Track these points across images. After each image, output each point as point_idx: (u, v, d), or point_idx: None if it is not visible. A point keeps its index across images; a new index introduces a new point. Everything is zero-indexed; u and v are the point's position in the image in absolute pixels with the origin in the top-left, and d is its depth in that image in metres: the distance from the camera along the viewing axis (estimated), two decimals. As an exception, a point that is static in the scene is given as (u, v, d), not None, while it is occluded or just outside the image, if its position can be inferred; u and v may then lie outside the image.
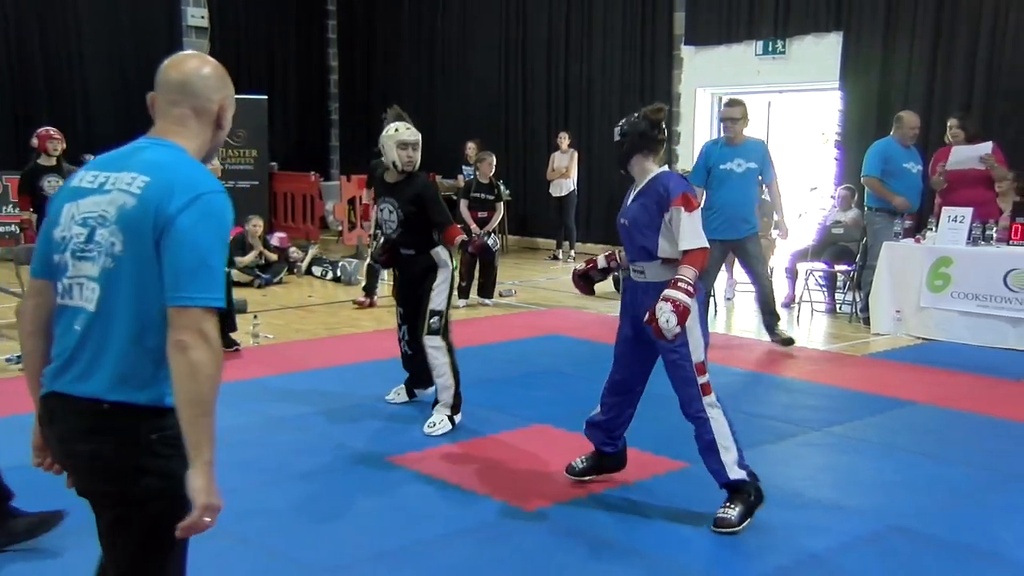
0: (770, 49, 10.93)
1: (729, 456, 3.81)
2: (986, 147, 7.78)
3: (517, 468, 4.57)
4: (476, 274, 9.15)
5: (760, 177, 7.22)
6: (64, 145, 8.16)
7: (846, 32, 10.24)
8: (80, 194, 2.07)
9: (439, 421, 5.10)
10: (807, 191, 10.62)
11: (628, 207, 3.98)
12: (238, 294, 8.59)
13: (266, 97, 14.58)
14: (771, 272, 9.52)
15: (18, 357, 6.46)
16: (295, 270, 11.02)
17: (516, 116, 14.08)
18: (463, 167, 12.73)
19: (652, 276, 3.87)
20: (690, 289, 3.65)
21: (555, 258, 12.65)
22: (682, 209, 3.74)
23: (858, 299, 8.41)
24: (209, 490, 1.94)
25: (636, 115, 4.00)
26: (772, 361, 6.87)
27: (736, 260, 7.41)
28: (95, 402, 1.99)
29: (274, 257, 10.60)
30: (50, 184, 7.97)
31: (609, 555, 3.60)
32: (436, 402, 5.18)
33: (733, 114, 7.14)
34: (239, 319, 7.36)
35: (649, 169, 3.95)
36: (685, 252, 3.73)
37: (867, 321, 7.96)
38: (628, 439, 4.43)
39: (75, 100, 13.91)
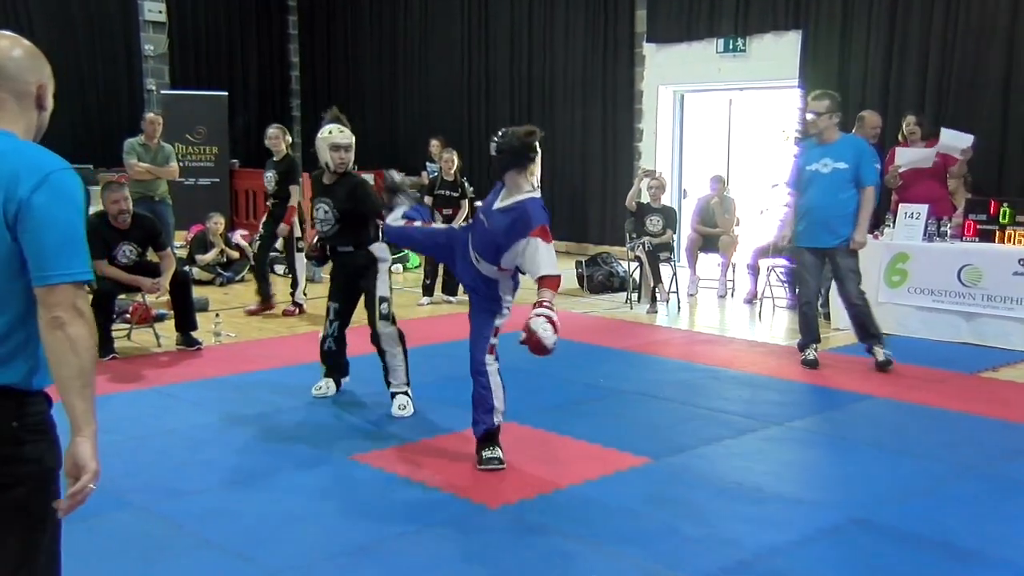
0: (731, 47, 11.02)
1: (497, 408, 4.47)
2: (930, 153, 7.86)
3: (481, 465, 4.58)
4: (440, 272, 9.14)
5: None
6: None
7: (805, 30, 10.35)
8: None
9: (407, 403, 5.33)
10: (768, 188, 10.73)
11: (493, 212, 4.37)
12: (199, 292, 8.50)
13: (226, 94, 14.42)
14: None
15: None
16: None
17: (479, 112, 14.06)
18: (427, 164, 12.69)
19: (485, 271, 4.46)
20: (552, 307, 4.01)
21: (519, 255, 12.63)
22: (539, 240, 4.15)
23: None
24: (96, 457, 1.98)
25: (510, 133, 4.41)
26: (733, 357, 6.94)
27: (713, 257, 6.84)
28: None
29: (235, 255, 10.50)
30: None
31: (573, 551, 3.62)
32: (390, 385, 5.39)
33: (816, 107, 6.36)
34: (200, 318, 7.28)
35: (520, 184, 4.33)
36: (542, 277, 4.09)
37: (828, 316, 8.07)
38: (593, 435, 4.69)
39: (28, 96, 13.63)
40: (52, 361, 1.96)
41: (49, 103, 2.15)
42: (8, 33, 2.15)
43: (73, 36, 14.04)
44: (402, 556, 3.54)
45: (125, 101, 14.55)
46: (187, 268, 9.16)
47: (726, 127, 11.80)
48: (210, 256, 10.17)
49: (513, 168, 4.32)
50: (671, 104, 12.09)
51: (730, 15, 10.95)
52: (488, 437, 4.50)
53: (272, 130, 8.76)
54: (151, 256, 6.92)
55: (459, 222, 9.19)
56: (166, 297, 7.20)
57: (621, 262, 9.92)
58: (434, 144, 12.42)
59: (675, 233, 9.55)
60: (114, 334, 6.84)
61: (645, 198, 9.36)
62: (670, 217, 9.38)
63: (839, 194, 6.33)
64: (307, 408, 5.47)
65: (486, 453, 4.48)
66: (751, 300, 9.09)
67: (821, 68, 10.19)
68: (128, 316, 7.44)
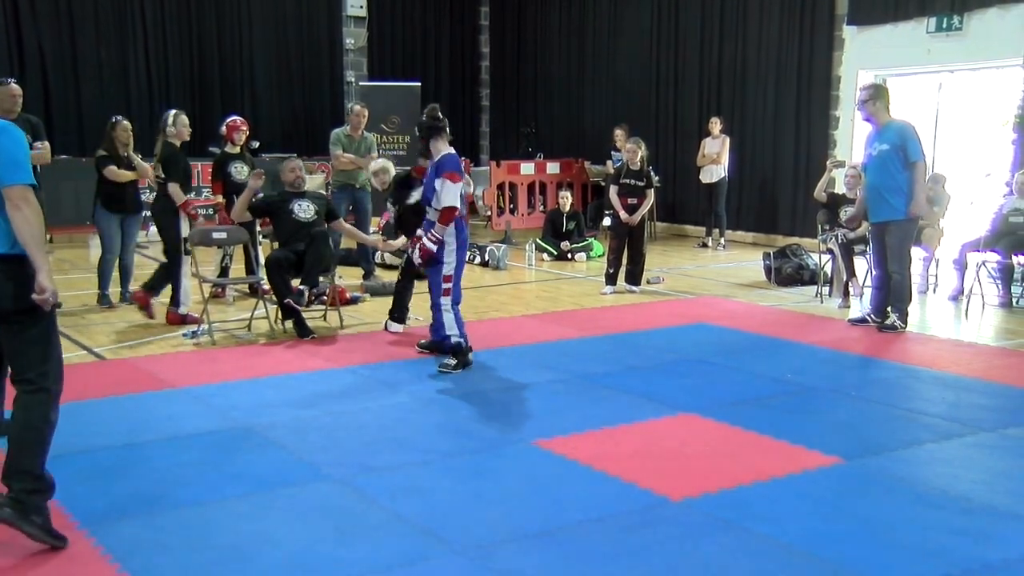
0: (944, 26, 10.28)
1: (449, 334, 5.97)
2: None
3: (664, 457, 4.51)
4: (624, 261, 9.08)
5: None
6: (248, 133, 8.69)
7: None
8: None
9: None
10: (980, 177, 9.99)
11: (429, 174, 6.02)
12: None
13: (419, 84, 14.89)
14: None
15: (193, 332, 6.85)
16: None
17: (666, 101, 13.86)
18: (612, 152, 12.64)
19: (431, 216, 5.97)
20: (435, 239, 5.86)
21: (704, 245, 12.41)
22: (447, 180, 5.79)
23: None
24: (53, 282, 3.27)
25: (424, 115, 6.19)
26: (935, 356, 6.50)
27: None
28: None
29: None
30: (236, 170, 8.42)
31: (757, 550, 3.49)
32: None
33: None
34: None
35: (440, 148, 5.96)
36: (442, 209, 5.80)
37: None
38: (779, 431, 4.56)
39: (243, 88, 14.61)
40: (19, 231, 3.23)
41: None
42: None
43: (284, 33, 14.95)
44: (583, 543, 3.54)
45: (327, 93, 15.34)
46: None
47: (933, 113, 11.05)
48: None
49: (431, 137, 5.97)
50: (871, 89, 11.43)
51: (947, -9, 10.19)
52: (448, 350, 6.02)
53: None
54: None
55: (643, 212, 9.12)
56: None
57: (811, 254, 9.53)
58: (617, 133, 12.36)
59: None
60: (309, 316, 7.20)
61: (840, 188, 8.94)
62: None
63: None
64: (490, 392, 5.57)
65: (442, 366, 5.95)
66: (956, 297, 8.50)
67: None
68: (325, 298, 7.79)
